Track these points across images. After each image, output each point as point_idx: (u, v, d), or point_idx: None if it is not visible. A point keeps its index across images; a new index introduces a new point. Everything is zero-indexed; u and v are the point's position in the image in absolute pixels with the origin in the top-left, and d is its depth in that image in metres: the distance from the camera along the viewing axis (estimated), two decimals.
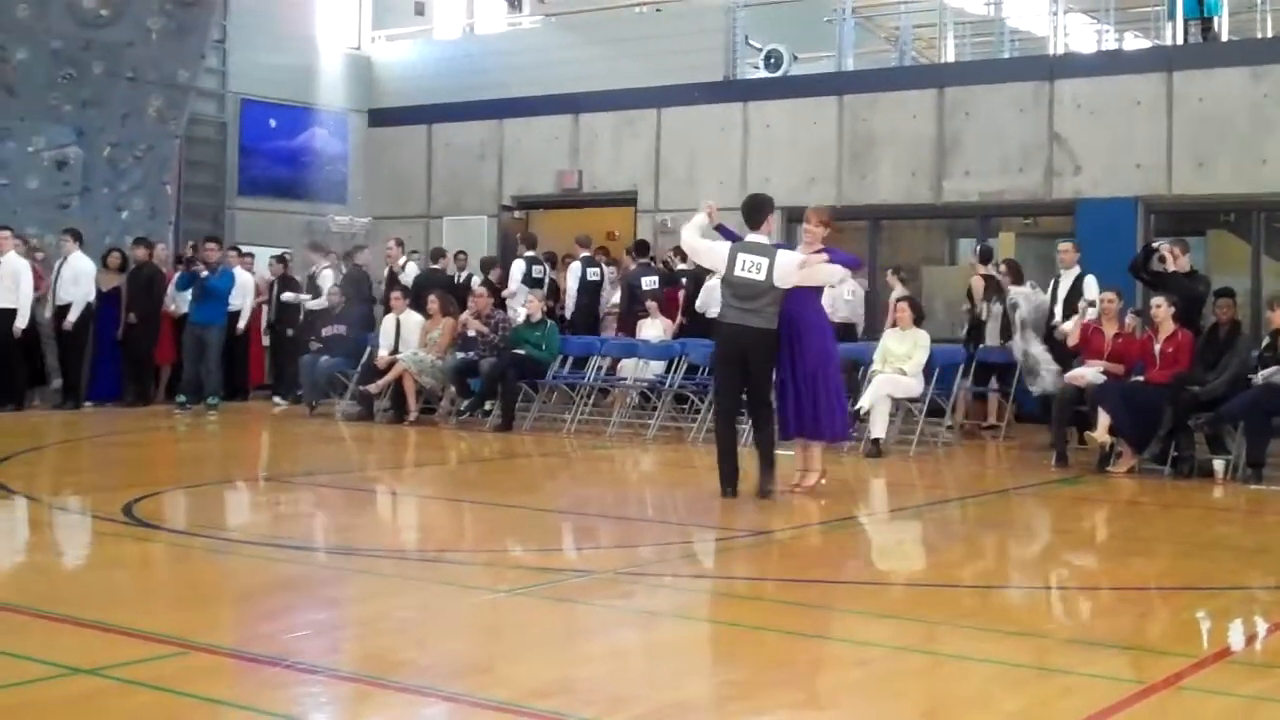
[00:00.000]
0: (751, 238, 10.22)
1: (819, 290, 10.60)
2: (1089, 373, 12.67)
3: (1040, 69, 17.58)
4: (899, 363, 13.55)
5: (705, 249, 10.63)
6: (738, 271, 10.03)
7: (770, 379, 10.26)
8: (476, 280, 17.59)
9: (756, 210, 10.33)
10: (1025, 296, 14.33)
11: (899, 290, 16.88)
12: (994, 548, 9.27)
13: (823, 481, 10.67)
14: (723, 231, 10.70)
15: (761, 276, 9.97)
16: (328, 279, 18.67)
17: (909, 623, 6.53)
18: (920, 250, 19.72)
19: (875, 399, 13.28)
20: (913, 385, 13.56)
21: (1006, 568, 8.41)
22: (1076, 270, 14.14)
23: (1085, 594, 7.65)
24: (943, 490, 12.25)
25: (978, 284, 15.47)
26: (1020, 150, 17.31)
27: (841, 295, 16.52)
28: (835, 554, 8.79)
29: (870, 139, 18.38)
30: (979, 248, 16.31)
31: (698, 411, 14.71)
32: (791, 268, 10.02)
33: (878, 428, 13.28)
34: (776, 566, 8.44)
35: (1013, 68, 18.31)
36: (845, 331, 16.15)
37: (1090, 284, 13.84)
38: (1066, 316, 13.86)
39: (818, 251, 10.34)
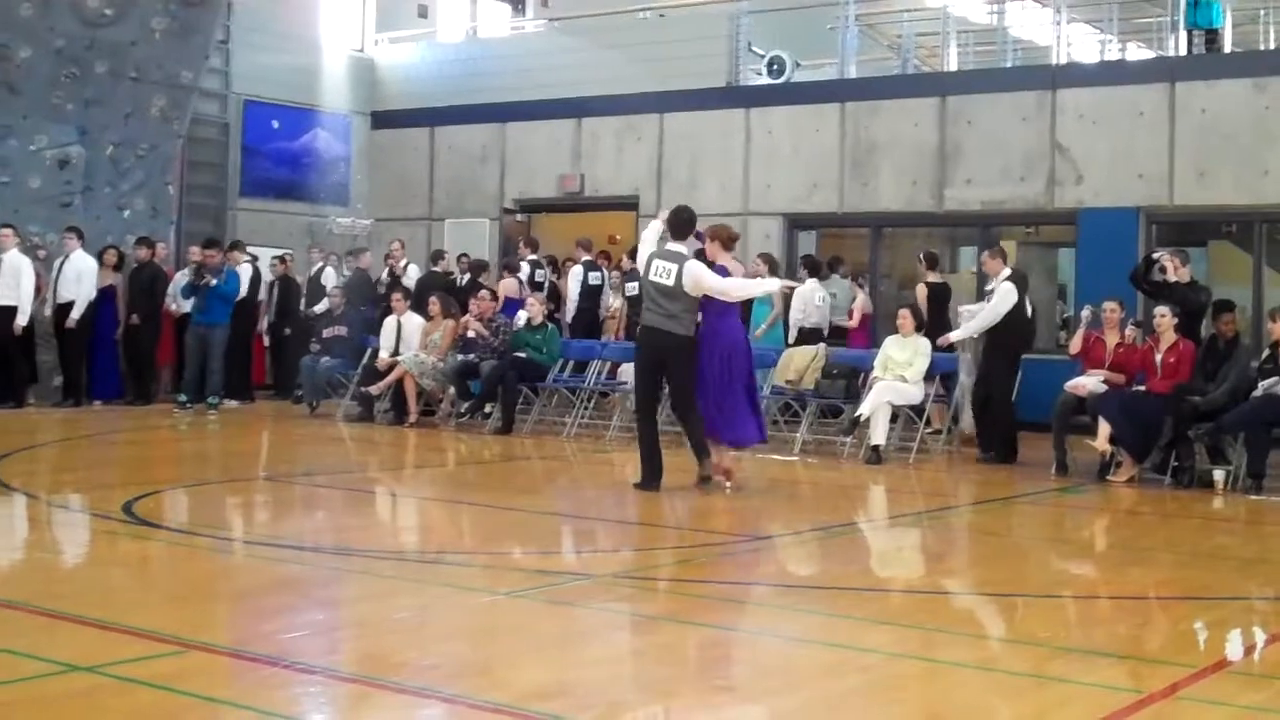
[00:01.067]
0: (670, 246, 10.76)
1: (734, 305, 11.03)
2: (1089, 382, 12.68)
3: (1043, 78, 17.59)
4: (900, 370, 13.55)
5: (640, 257, 11.23)
6: (651, 276, 10.64)
7: (692, 382, 10.72)
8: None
9: (684, 225, 10.88)
10: (970, 314, 14.15)
11: (860, 296, 16.87)
12: (993, 556, 9.27)
13: (728, 484, 11.03)
14: (696, 235, 11.15)
15: (670, 281, 10.50)
16: (329, 279, 18.71)
17: (908, 629, 6.52)
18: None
19: (875, 406, 13.28)
20: (913, 392, 13.56)
21: (1005, 576, 8.40)
22: (1002, 277, 13.70)
23: (1084, 603, 7.65)
24: (941, 498, 12.26)
25: (922, 291, 15.43)
26: (1022, 159, 17.31)
27: (813, 301, 16.59)
28: (834, 560, 8.79)
29: (872, 146, 18.38)
30: (923, 253, 16.17)
31: None
32: (698, 275, 10.49)
33: (878, 435, 13.28)
34: (775, 572, 8.45)
35: (1015, 77, 18.32)
36: (814, 336, 16.19)
37: (1001, 292, 13.43)
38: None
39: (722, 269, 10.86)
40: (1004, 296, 13.41)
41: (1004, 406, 13.48)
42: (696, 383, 10.71)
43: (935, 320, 14.72)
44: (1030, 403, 14.15)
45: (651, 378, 10.97)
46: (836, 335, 16.82)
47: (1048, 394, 13.18)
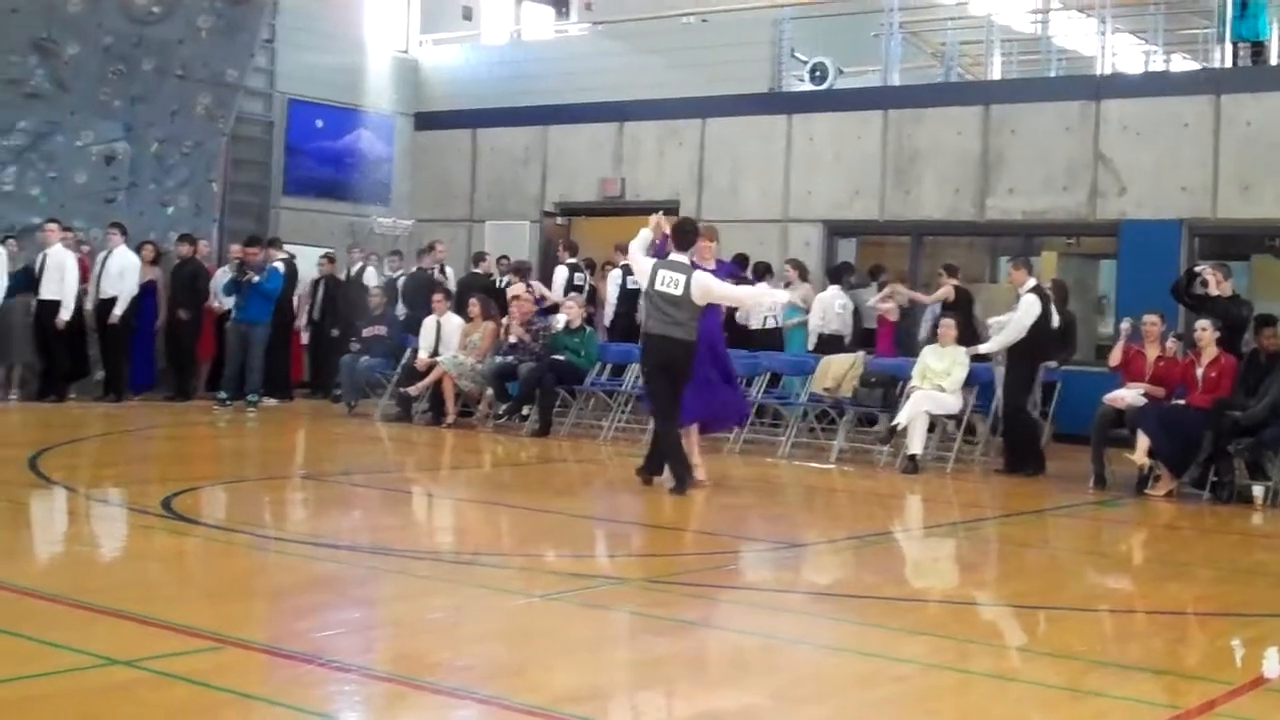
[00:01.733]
0: (674, 257, 11.08)
1: (718, 307, 11.64)
2: (1129, 395, 12.61)
3: (1087, 88, 17.50)
4: (938, 379, 13.50)
5: (639, 266, 11.57)
6: (658, 286, 10.96)
7: (683, 387, 11.11)
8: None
9: (686, 235, 11.23)
10: (1000, 326, 13.98)
11: (890, 304, 16.77)
12: (1029, 568, 9.24)
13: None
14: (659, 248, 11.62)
15: (679, 291, 10.86)
16: (370, 279, 18.78)
17: (943, 640, 6.50)
18: (962, 268, 19.63)
19: (913, 415, 13.24)
20: (951, 402, 13.51)
21: (1041, 588, 8.36)
22: (1026, 288, 13.49)
23: (1120, 617, 7.62)
24: (978, 509, 12.20)
25: (949, 292, 15.36)
26: (1065, 169, 17.23)
27: (833, 307, 16.59)
28: (868, 569, 8.77)
29: (914, 154, 18.34)
30: (944, 265, 16.11)
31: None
32: (702, 287, 10.89)
33: (915, 444, 13.23)
34: (810, 579, 8.45)
35: (1059, 86, 18.22)
36: (835, 343, 16.15)
37: (1024, 304, 13.27)
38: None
39: (712, 271, 11.40)
40: (1027, 309, 13.30)
41: (1020, 417, 13.38)
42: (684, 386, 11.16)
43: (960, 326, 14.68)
44: (1069, 415, 14.11)
45: (665, 384, 11.19)
46: (869, 341, 16.74)
47: (1086, 406, 13.13)
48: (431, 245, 19.24)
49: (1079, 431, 13.43)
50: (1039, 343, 13.40)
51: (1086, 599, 8.08)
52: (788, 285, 17.03)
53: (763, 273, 17.21)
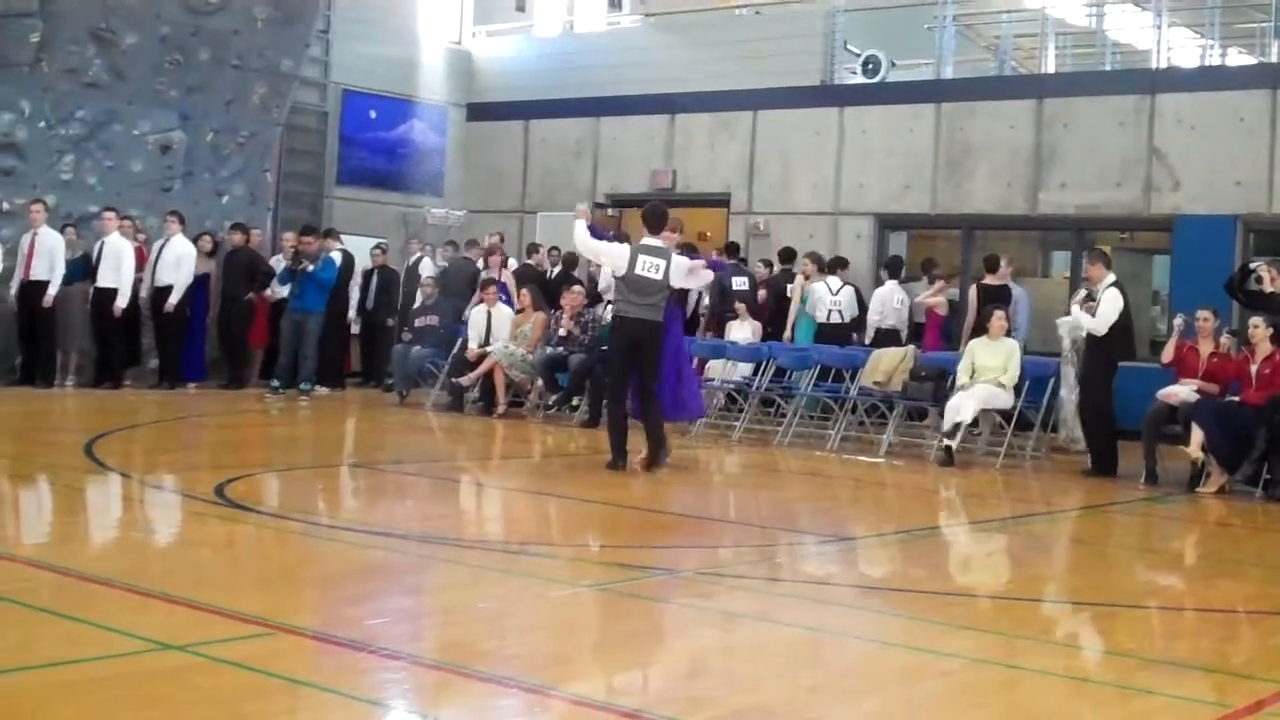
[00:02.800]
0: (648, 241, 11.40)
1: (683, 292, 12.13)
2: (1182, 390, 12.53)
3: (1141, 82, 17.38)
4: (994, 374, 13.39)
5: (604, 249, 12.09)
6: (638, 270, 11.27)
7: (659, 366, 11.47)
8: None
9: (659, 218, 11.63)
10: (1072, 327, 13.68)
11: (940, 298, 16.66)
12: (1078, 564, 9.20)
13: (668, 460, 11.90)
14: (591, 231, 12.05)
15: (659, 276, 11.27)
16: (426, 269, 18.86)
17: (991, 635, 6.50)
18: (1013, 261, 19.50)
19: (975, 410, 13.12)
20: (1004, 397, 13.41)
21: (1091, 584, 8.32)
22: (1107, 283, 13.23)
23: (1170, 614, 7.58)
24: (1027, 504, 12.16)
25: (973, 292, 15.27)
26: (1119, 164, 17.12)
27: (890, 302, 16.54)
28: (916, 563, 8.75)
29: (966, 148, 18.26)
30: (986, 257, 16.09)
31: (784, 415, 14.70)
32: (683, 270, 11.48)
33: (955, 435, 13.13)
34: (858, 573, 8.45)
35: (1114, 80, 18.11)
36: (892, 338, 16.10)
37: (1107, 298, 12.97)
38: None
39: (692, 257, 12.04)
40: (1110, 302, 13.00)
41: (1099, 416, 13.24)
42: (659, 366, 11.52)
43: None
44: (1121, 411, 13.99)
45: (628, 364, 11.53)
46: (919, 335, 16.70)
47: (1139, 402, 13.03)
48: (474, 240, 19.26)
49: (1131, 427, 13.32)
50: (1115, 338, 13.19)
51: (1136, 595, 8.04)
52: (807, 278, 17.08)
53: (835, 266, 17.26)
